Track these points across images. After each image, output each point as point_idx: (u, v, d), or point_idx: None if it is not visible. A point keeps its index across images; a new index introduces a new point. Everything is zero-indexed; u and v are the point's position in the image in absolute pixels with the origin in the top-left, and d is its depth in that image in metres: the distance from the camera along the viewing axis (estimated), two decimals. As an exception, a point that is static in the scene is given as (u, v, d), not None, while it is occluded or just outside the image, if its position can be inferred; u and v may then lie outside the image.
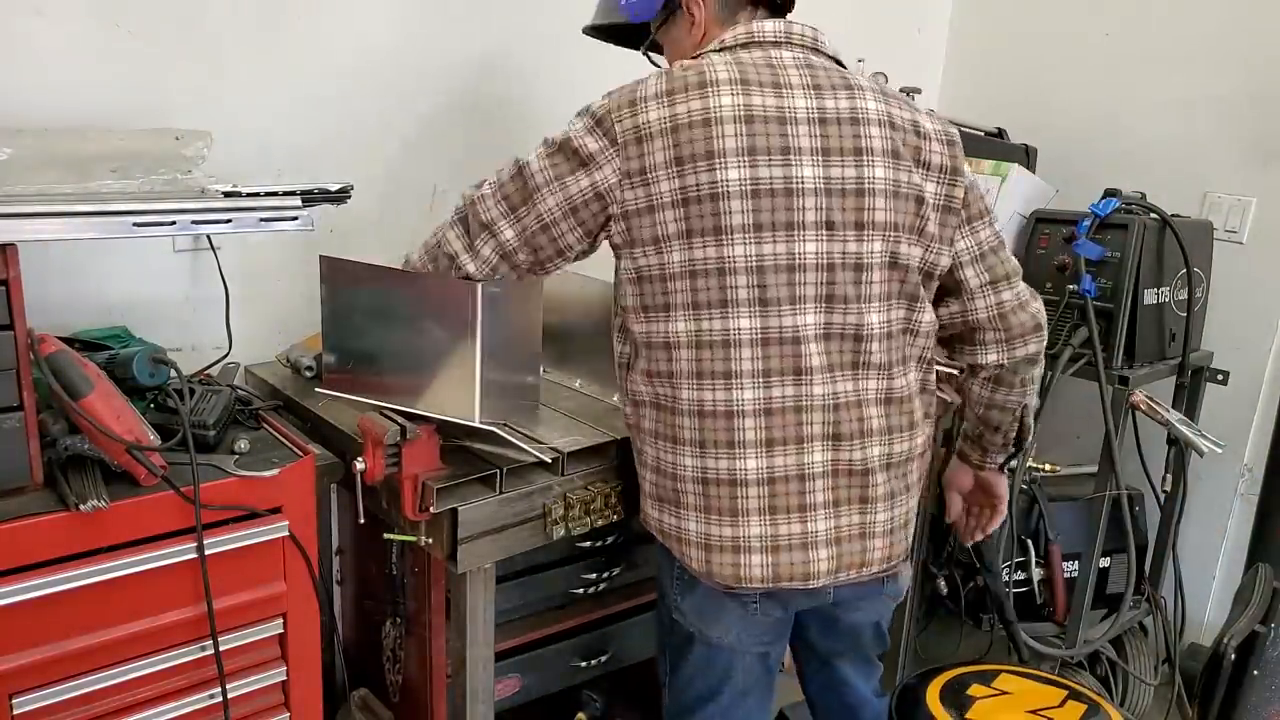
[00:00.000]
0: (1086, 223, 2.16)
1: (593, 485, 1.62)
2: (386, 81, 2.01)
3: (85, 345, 1.56)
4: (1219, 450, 2.25)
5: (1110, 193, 2.20)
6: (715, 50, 1.42)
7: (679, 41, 1.53)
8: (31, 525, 1.26)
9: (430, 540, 1.53)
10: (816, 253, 1.35)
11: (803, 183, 1.34)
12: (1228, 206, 2.45)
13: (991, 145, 2.56)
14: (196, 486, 1.35)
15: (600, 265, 1.93)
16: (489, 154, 2.17)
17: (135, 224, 1.31)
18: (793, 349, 1.35)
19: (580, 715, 2.12)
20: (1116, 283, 2.15)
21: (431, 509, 1.47)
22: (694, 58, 1.41)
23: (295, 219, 1.46)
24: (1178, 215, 2.22)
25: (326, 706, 1.61)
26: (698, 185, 1.31)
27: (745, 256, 1.32)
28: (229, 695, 1.44)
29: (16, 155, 1.41)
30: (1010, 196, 2.33)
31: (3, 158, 1.40)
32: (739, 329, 1.34)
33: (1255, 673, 2.00)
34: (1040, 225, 2.30)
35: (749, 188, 1.32)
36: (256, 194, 1.47)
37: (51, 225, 1.26)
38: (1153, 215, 2.19)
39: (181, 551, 1.36)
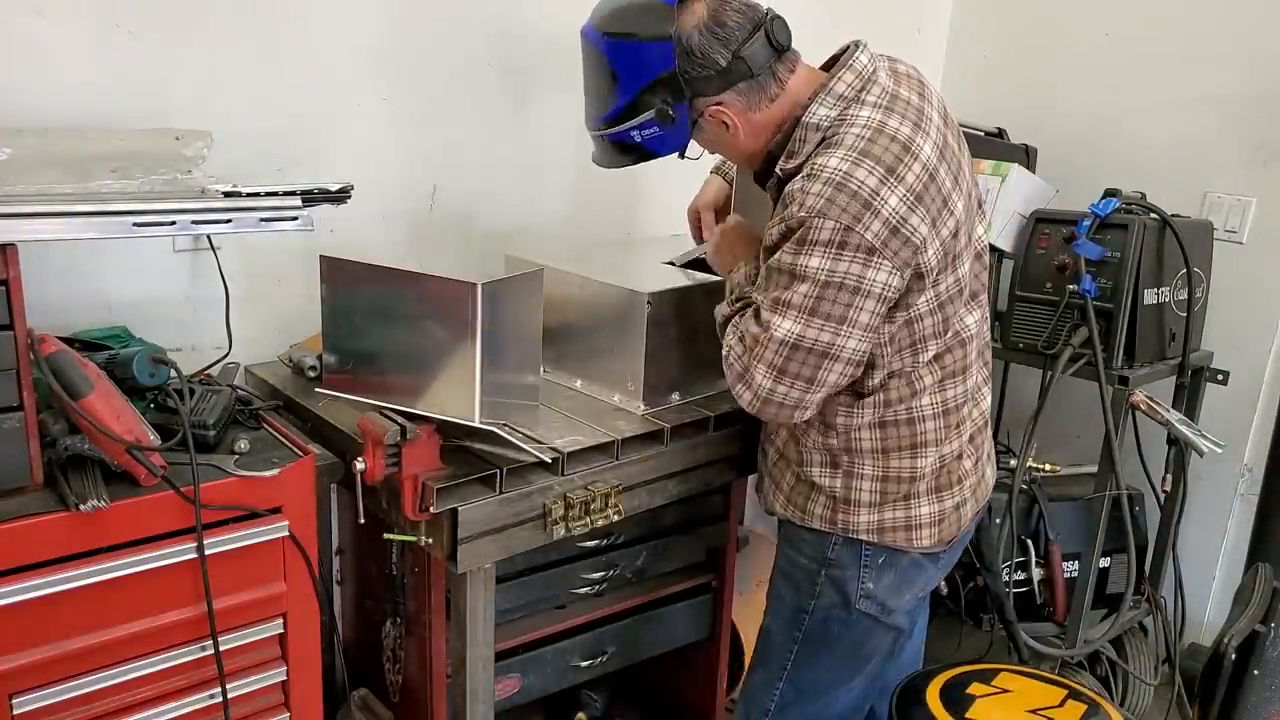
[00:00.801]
0: (1086, 223, 2.16)
1: (593, 485, 1.62)
2: (387, 81, 2.01)
3: (85, 345, 1.56)
4: (1219, 450, 2.25)
5: (1110, 193, 2.20)
6: (847, 107, 1.42)
7: (723, 142, 1.52)
8: (31, 525, 1.26)
9: (430, 540, 1.53)
10: (980, 237, 1.56)
11: (970, 182, 1.52)
12: (1228, 206, 2.45)
13: (991, 145, 2.55)
14: (196, 486, 1.35)
15: (598, 263, 1.93)
16: (489, 154, 2.19)
17: (135, 224, 1.31)
18: (981, 337, 1.59)
19: (580, 715, 2.12)
20: (1116, 283, 2.15)
21: (431, 509, 1.47)
22: (833, 127, 1.41)
23: (295, 219, 1.46)
24: (1178, 215, 2.22)
25: (326, 706, 1.61)
26: (952, 233, 1.43)
27: (970, 266, 1.51)
28: (229, 695, 1.44)
29: (16, 155, 1.41)
30: (1010, 196, 2.33)
31: (3, 158, 1.40)
32: (967, 327, 1.53)
33: (1255, 672, 2.00)
34: (1040, 225, 2.30)
35: (964, 211, 1.46)
36: (256, 194, 1.46)
37: (51, 225, 1.26)
38: (1153, 215, 2.19)
39: (181, 551, 1.36)
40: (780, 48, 1.44)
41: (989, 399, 1.68)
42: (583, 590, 1.86)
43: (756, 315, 1.44)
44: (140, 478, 1.34)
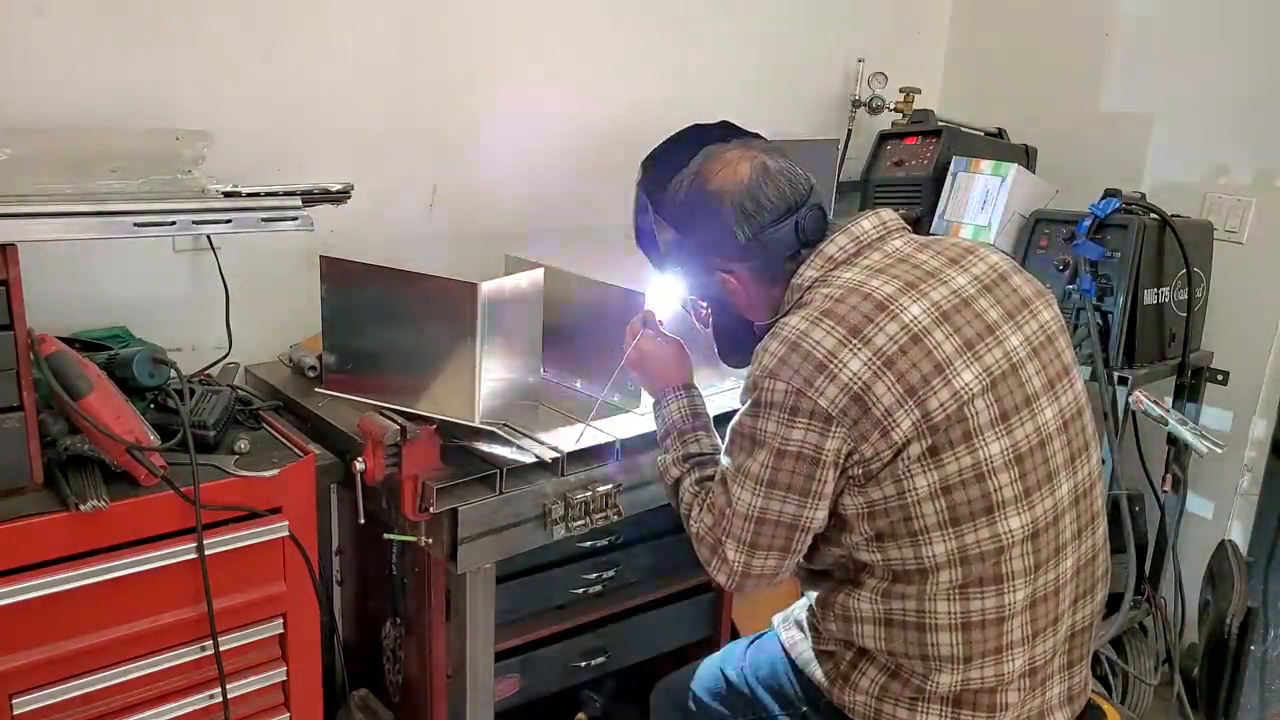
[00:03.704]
0: (1086, 223, 2.16)
1: (593, 485, 1.62)
2: (386, 81, 2.01)
3: (85, 345, 1.56)
4: (1219, 450, 2.25)
5: (1110, 193, 2.19)
6: (834, 268, 1.32)
7: (729, 298, 1.43)
8: (31, 525, 1.26)
9: (430, 540, 1.53)
10: (1053, 416, 1.29)
11: (1017, 353, 1.28)
12: (1228, 206, 2.45)
13: (991, 145, 2.55)
14: (196, 486, 1.35)
15: (598, 263, 1.93)
16: (489, 154, 2.18)
17: (135, 224, 1.31)
18: (1055, 530, 1.29)
19: (580, 715, 2.12)
20: (1116, 283, 2.15)
21: (431, 509, 1.47)
22: (811, 288, 1.31)
23: (295, 219, 1.46)
24: (1178, 215, 2.22)
25: (326, 706, 1.62)
26: (942, 405, 1.21)
27: (1002, 452, 1.24)
28: (229, 695, 1.44)
29: (16, 155, 1.41)
30: (1010, 196, 2.33)
31: (2, 158, 1.40)
32: (1010, 531, 1.25)
33: (1252, 648, 2.02)
34: (1040, 225, 2.30)
35: (985, 381, 1.24)
36: (256, 194, 1.47)
37: (51, 225, 1.26)
38: (1153, 215, 2.19)
39: (181, 551, 1.36)
40: (805, 241, 1.35)
41: (1087, 635, 1.40)
42: (582, 590, 1.86)
43: (723, 482, 1.32)
44: (140, 478, 1.34)
